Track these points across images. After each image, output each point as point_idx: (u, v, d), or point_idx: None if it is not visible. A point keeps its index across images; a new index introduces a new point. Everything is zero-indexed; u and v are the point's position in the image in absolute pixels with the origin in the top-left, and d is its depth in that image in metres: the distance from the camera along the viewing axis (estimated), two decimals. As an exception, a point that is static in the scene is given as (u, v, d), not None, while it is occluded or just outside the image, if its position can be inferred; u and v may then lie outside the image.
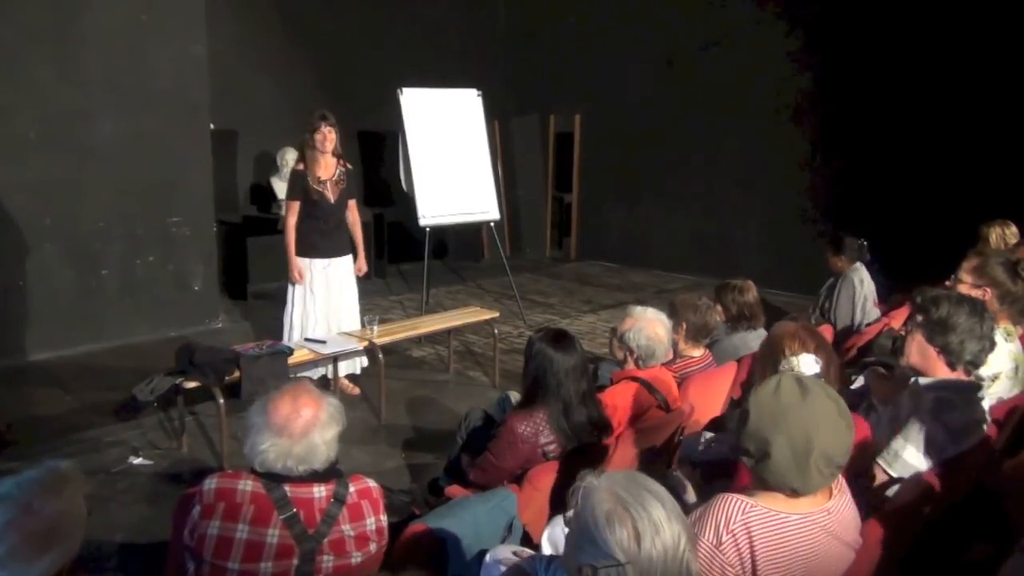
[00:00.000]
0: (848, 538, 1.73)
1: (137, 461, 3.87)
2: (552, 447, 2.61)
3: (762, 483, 1.66)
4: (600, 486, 1.37)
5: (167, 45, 5.72)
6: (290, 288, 4.75)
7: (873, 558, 1.88)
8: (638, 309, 3.10)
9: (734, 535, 1.60)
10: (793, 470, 1.61)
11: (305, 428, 1.82)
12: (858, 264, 4.98)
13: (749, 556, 1.60)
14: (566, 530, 2.11)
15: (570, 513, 1.39)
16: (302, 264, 4.64)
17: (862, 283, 4.85)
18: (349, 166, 4.75)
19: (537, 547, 2.24)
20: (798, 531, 1.63)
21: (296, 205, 4.61)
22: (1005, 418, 2.67)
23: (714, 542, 1.61)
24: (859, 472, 2.09)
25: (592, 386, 2.80)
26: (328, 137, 4.49)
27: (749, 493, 1.68)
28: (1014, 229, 4.93)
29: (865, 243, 5.02)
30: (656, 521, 1.30)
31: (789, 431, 1.61)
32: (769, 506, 1.63)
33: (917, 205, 6.57)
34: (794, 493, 1.64)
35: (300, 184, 4.57)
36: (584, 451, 2.62)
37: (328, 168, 4.60)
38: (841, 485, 1.74)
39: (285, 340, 4.62)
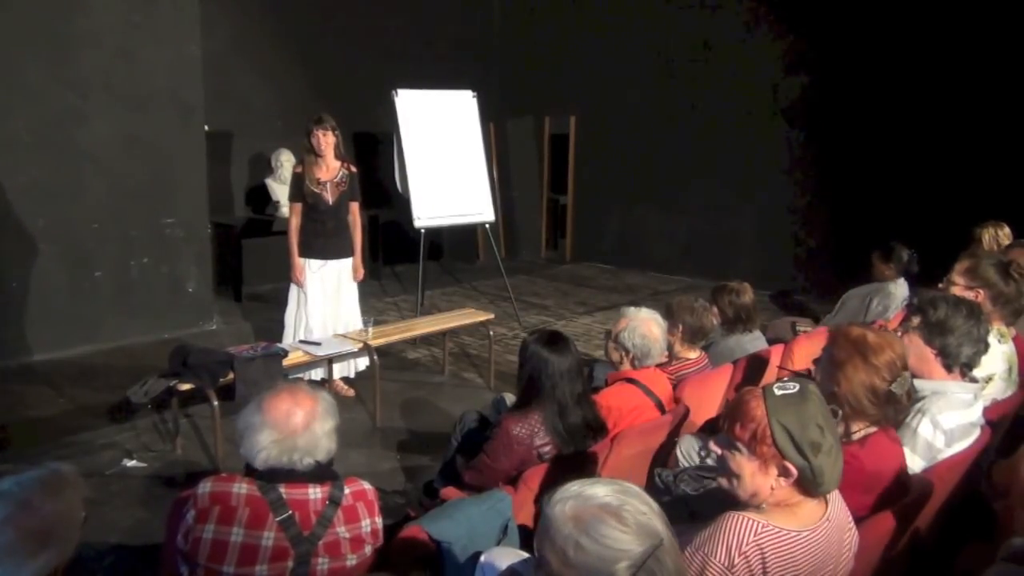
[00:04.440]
0: (847, 541, 1.74)
1: (131, 463, 3.86)
2: (547, 449, 2.61)
3: (802, 493, 1.66)
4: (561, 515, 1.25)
5: (161, 46, 5.70)
6: (290, 289, 4.77)
7: (869, 559, 1.88)
8: (631, 309, 3.11)
9: (746, 556, 1.58)
10: (832, 469, 1.64)
11: (306, 420, 1.84)
12: (901, 279, 4.82)
13: None
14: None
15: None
16: (299, 264, 4.67)
17: (902, 299, 4.65)
18: (354, 169, 4.74)
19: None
20: (807, 547, 1.63)
21: (297, 207, 4.65)
22: (998, 419, 2.68)
23: (726, 563, 1.58)
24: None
25: (587, 388, 2.80)
26: (323, 140, 4.50)
27: (758, 511, 1.66)
28: (1007, 230, 4.94)
29: (916, 255, 4.81)
30: (641, 509, 1.26)
31: (825, 434, 1.63)
32: (779, 525, 1.62)
33: (911, 207, 6.60)
34: (827, 491, 1.68)
35: (297, 186, 4.61)
36: (579, 453, 2.62)
37: (329, 170, 4.61)
38: None
39: (284, 341, 4.64)
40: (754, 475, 1.66)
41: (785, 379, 1.75)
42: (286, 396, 1.88)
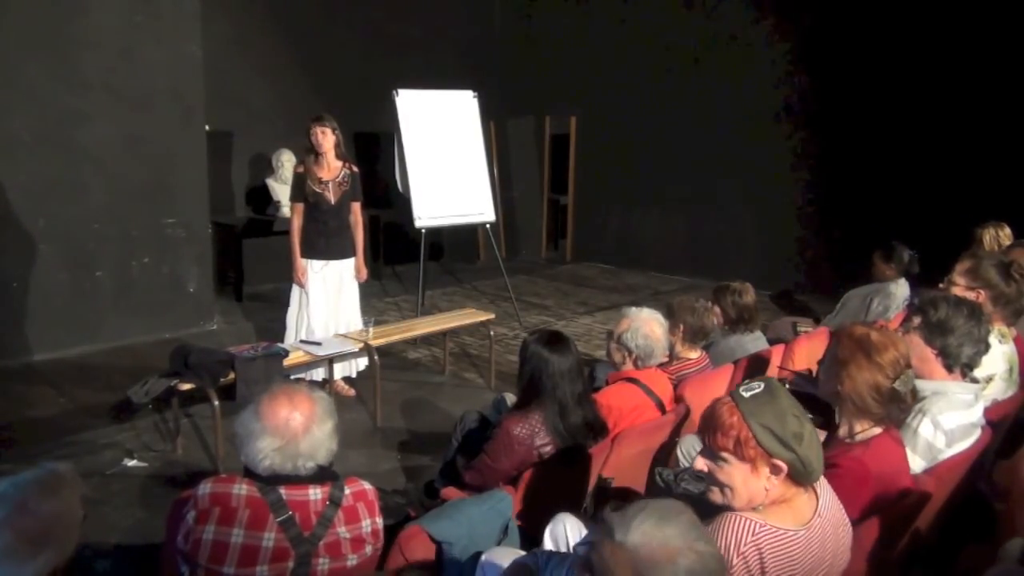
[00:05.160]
0: (841, 534, 1.74)
1: (131, 463, 3.86)
2: (547, 449, 2.61)
3: (792, 485, 1.67)
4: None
5: (162, 46, 5.70)
6: (291, 289, 4.77)
7: (869, 559, 1.88)
8: (633, 310, 3.12)
9: (745, 557, 1.58)
10: (817, 455, 1.66)
11: (306, 425, 1.83)
12: (902, 280, 4.81)
13: None
14: (567, 527, 2.12)
15: None
16: (301, 265, 4.67)
17: (902, 299, 4.66)
18: (355, 168, 4.73)
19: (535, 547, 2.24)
20: (804, 546, 1.63)
21: (299, 207, 4.62)
22: (999, 420, 2.68)
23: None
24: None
25: (588, 387, 2.80)
26: (321, 138, 4.49)
27: (755, 511, 1.66)
28: (1007, 231, 4.94)
29: (916, 255, 4.81)
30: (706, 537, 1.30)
31: (803, 423, 1.65)
32: (776, 524, 1.63)
33: (911, 207, 6.59)
34: (817, 478, 1.70)
35: (299, 185, 4.59)
36: (579, 452, 2.62)
37: (331, 170, 4.60)
38: (821, 480, 1.75)
39: (286, 342, 4.64)
40: (746, 480, 1.66)
41: (747, 381, 1.76)
42: (283, 400, 1.85)
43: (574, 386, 2.65)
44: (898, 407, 2.11)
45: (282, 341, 4.63)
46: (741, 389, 1.71)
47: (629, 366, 3.04)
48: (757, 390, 1.69)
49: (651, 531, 1.24)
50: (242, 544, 1.77)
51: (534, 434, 2.59)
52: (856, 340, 2.13)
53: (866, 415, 2.09)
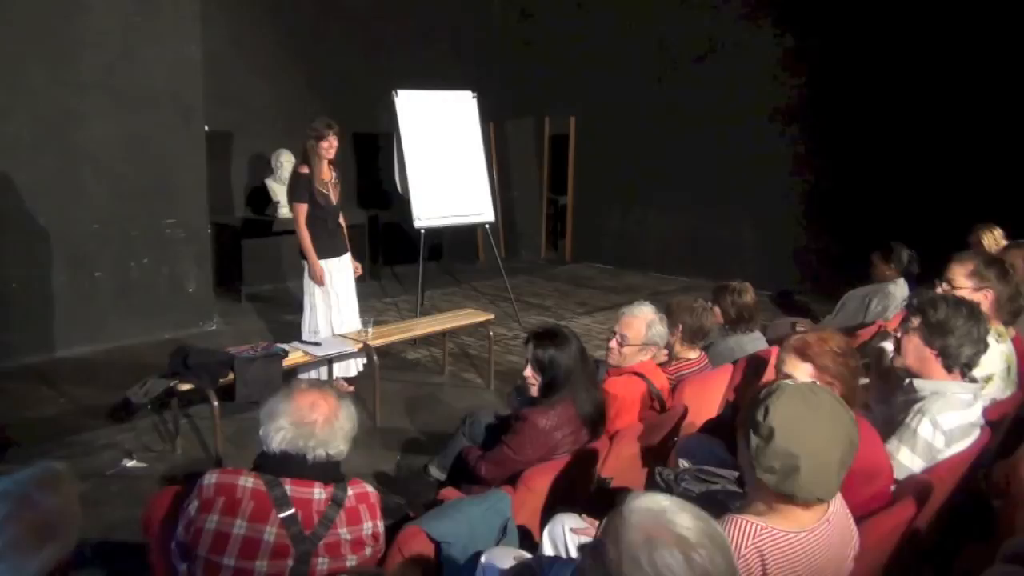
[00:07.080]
0: (848, 543, 1.74)
1: (131, 464, 3.86)
2: (568, 438, 2.70)
3: (784, 499, 1.62)
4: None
5: (161, 47, 5.71)
6: (309, 291, 4.77)
7: (869, 559, 1.88)
8: (634, 309, 3.16)
9: (745, 559, 1.57)
10: (819, 480, 1.60)
11: (328, 415, 1.90)
12: (901, 280, 4.82)
13: None
14: (567, 528, 2.13)
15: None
16: (321, 267, 4.70)
17: (901, 299, 4.64)
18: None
19: (534, 547, 2.24)
20: (807, 548, 1.63)
21: (305, 207, 4.63)
22: (998, 420, 2.68)
23: None
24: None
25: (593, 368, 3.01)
26: (333, 145, 4.59)
27: (757, 513, 1.66)
28: (999, 232, 4.94)
29: (916, 255, 4.82)
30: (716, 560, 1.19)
31: (815, 442, 1.59)
32: (778, 526, 1.62)
33: (911, 207, 6.59)
34: (819, 502, 1.64)
35: (307, 187, 4.61)
36: (579, 452, 2.63)
37: (328, 171, 4.68)
38: None
39: None
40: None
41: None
42: (314, 391, 1.96)
43: (587, 367, 2.85)
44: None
45: (283, 341, 4.62)
46: None
47: (648, 358, 3.12)
48: None
49: (665, 507, 1.21)
50: (244, 536, 1.78)
51: (558, 426, 2.69)
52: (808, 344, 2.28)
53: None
